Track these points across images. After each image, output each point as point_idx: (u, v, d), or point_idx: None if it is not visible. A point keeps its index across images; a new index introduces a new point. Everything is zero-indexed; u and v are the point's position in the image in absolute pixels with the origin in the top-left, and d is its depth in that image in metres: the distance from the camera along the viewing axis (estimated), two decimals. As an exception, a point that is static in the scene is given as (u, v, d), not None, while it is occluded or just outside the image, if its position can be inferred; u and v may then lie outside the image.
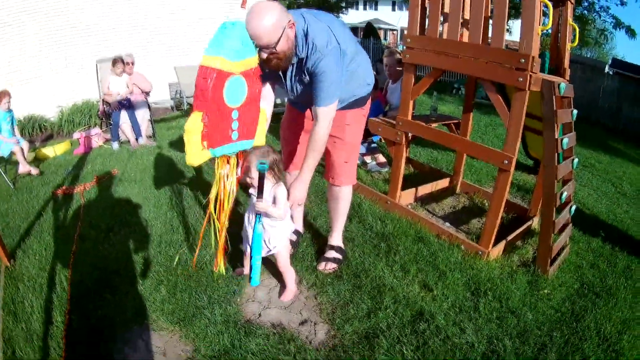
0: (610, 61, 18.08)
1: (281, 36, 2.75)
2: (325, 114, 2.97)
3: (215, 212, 3.11)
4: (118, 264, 3.75)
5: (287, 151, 3.81)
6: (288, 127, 3.76)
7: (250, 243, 3.05)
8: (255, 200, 2.96)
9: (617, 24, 15.18)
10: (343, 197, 3.72)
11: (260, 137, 2.93)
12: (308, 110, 3.50)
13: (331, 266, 3.68)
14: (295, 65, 3.06)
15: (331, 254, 3.76)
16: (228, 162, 2.86)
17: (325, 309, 3.23)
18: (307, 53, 2.93)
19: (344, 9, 26.04)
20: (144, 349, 2.87)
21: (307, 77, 3.02)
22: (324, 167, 3.73)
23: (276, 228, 3.14)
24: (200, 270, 3.57)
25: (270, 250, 3.19)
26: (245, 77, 2.62)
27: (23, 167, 6.62)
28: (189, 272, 3.56)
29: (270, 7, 2.74)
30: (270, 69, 3.02)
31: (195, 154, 2.57)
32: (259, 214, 3.00)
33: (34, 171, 6.67)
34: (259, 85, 2.79)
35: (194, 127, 2.50)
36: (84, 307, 3.19)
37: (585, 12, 15.47)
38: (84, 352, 2.80)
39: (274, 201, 3.05)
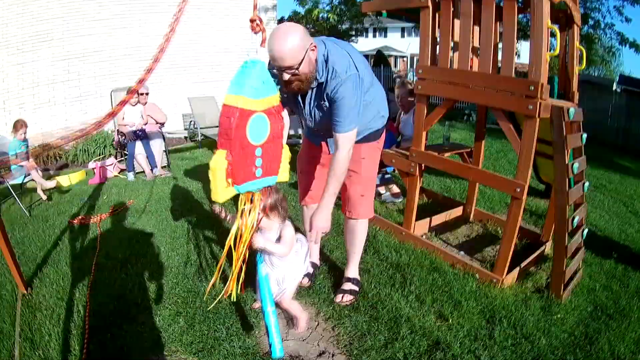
0: (617, 78, 18.06)
1: (304, 58, 2.82)
2: (345, 139, 3.01)
3: (234, 245, 3.11)
4: (135, 295, 3.79)
5: (304, 185, 3.85)
6: (306, 161, 3.79)
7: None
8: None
9: (622, 40, 15.21)
10: (360, 231, 3.76)
11: (284, 173, 2.96)
12: (324, 144, 3.56)
13: (348, 298, 3.70)
14: (314, 91, 3.13)
15: (348, 286, 3.80)
16: (252, 199, 2.88)
17: (342, 340, 3.25)
18: (327, 78, 2.99)
19: (353, 37, 26.10)
20: (162, 380, 2.88)
21: (327, 103, 3.08)
22: (341, 200, 3.76)
23: (286, 267, 3.11)
24: (218, 303, 3.57)
25: (281, 291, 3.14)
26: (267, 115, 2.65)
27: (45, 183, 6.82)
28: (207, 304, 3.59)
29: (294, 28, 2.81)
30: (290, 91, 3.09)
31: (220, 191, 2.58)
32: (259, 253, 3.03)
33: (50, 184, 6.88)
34: (281, 122, 2.82)
35: (218, 165, 2.52)
36: (102, 336, 3.24)
37: (591, 30, 15.50)
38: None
39: (279, 240, 3.04)
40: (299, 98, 3.23)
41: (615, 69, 35.82)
